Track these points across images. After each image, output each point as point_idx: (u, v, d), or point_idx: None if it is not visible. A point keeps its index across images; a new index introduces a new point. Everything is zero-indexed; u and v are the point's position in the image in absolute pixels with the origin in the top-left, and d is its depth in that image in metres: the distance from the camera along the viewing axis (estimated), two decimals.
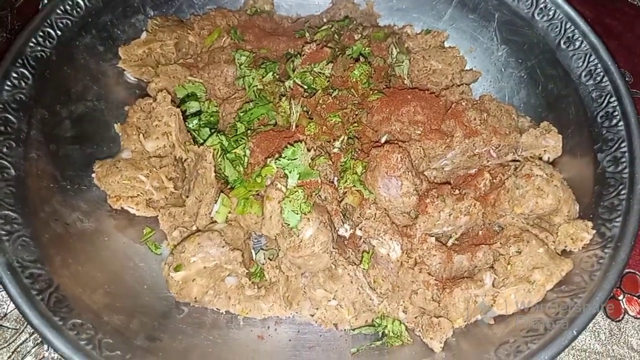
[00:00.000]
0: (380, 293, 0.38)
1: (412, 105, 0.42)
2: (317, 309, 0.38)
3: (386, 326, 0.38)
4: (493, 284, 0.36)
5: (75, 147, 0.44)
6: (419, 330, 0.37)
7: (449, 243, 0.40)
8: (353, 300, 0.38)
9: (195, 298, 0.38)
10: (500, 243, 0.38)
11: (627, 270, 0.43)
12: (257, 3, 0.52)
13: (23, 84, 0.42)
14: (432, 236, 0.39)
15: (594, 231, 0.39)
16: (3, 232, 0.36)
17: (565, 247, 0.39)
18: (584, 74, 0.45)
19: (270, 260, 0.40)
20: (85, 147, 0.44)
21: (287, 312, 0.39)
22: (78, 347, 0.34)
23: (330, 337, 0.39)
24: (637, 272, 0.43)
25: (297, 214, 0.35)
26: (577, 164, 0.44)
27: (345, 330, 0.39)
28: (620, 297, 0.42)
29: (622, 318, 0.41)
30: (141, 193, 0.41)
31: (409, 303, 0.37)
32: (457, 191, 0.40)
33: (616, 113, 0.43)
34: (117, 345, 0.35)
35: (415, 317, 0.37)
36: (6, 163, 0.39)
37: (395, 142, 0.40)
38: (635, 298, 0.42)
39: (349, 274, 0.38)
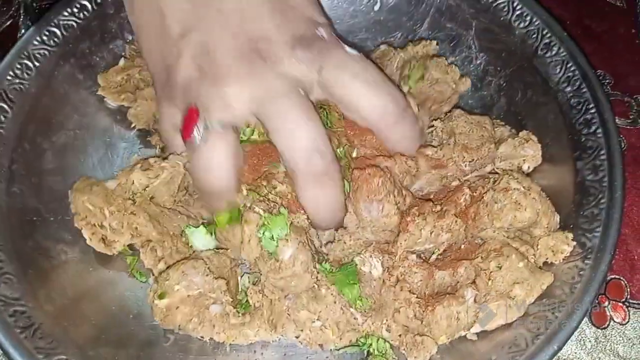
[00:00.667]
0: (364, 311, 0.38)
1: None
2: (301, 330, 0.38)
3: (371, 344, 0.38)
4: (475, 300, 0.36)
5: (57, 179, 0.44)
6: (403, 349, 0.37)
7: (431, 259, 0.40)
8: (337, 320, 0.38)
9: (179, 326, 0.39)
10: (482, 257, 0.37)
11: (612, 276, 0.43)
12: None
13: (2, 118, 0.42)
14: (414, 253, 0.39)
15: (574, 243, 0.39)
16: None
17: (546, 259, 0.39)
18: (562, 80, 0.45)
19: (254, 285, 0.40)
20: (67, 178, 0.44)
21: (272, 335, 0.39)
22: None
23: (316, 358, 0.39)
24: (622, 278, 0.43)
25: (274, 240, 0.35)
26: (556, 172, 0.44)
27: (331, 350, 0.39)
28: (606, 304, 0.42)
29: (608, 325, 0.41)
30: (99, 226, 0.40)
31: (392, 321, 0.37)
32: (438, 208, 0.40)
33: (595, 120, 0.42)
34: None
35: (399, 335, 0.37)
36: None
37: (376, 164, 0.40)
38: (620, 304, 0.42)
39: (332, 294, 0.38)
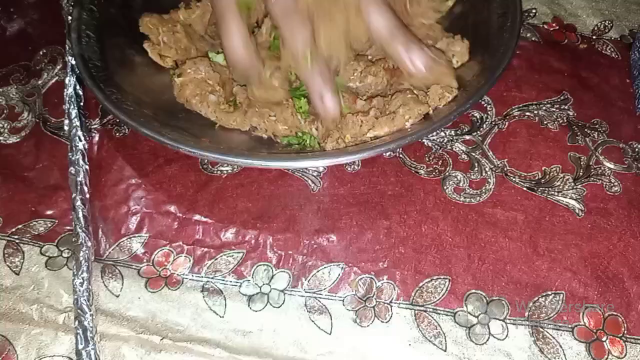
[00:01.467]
0: (305, 117, 0.53)
1: None
2: (263, 121, 0.53)
3: (306, 140, 0.53)
4: (375, 117, 0.50)
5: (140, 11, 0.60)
6: (322, 141, 0.51)
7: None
8: (286, 119, 0.53)
9: (187, 99, 0.55)
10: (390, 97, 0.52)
11: (609, 313, 0.46)
12: None
13: None
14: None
15: (457, 92, 0.51)
16: (83, 42, 0.54)
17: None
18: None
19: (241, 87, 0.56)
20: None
21: (244, 123, 0.54)
22: (110, 99, 0.50)
23: None
24: (619, 315, 0.46)
25: None
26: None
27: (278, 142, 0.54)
28: (604, 339, 0.45)
29: (606, 358, 0.44)
30: (156, 43, 0.59)
31: (320, 124, 0.52)
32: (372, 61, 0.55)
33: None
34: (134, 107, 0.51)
35: (323, 134, 0.52)
36: (95, 9, 0.57)
37: None
38: (617, 339, 0.45)
39: (288, 102, 0.54)
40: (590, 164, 0.54)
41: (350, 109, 0.52)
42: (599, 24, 0.65)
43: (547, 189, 0.52)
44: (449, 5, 0.60)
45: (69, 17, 0.64)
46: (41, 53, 0.65)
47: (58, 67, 0.63)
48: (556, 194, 0.52)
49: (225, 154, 0.47)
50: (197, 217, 0.52)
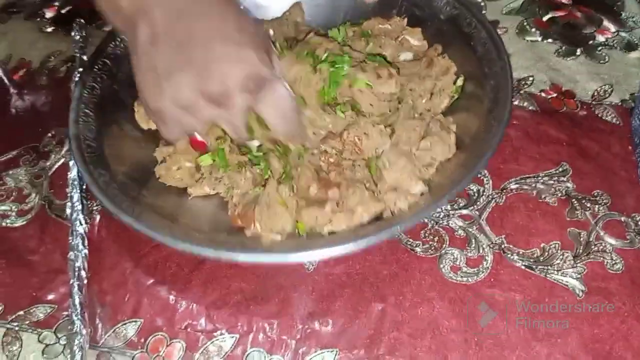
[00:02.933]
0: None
1: None
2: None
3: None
4: (332, 210, 0.49)
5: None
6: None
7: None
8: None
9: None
10: (346, 188, 0.50)
11: None
12: (291, 14, 0.65)
13: (123, 45, 0.62)
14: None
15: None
16: (81, 120, 0.55)
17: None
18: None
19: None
20: None
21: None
22: (97, 182, 0.51)
23: None
24: None
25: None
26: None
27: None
28: None
29: None
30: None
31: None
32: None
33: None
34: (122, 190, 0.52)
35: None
36: (97, 86, 0.60)
37: None
38: None
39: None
40: (591, 240, 0.52)
41: (303, 193, 0.51)
42: (599, 88, 0.64)
43: (546, 267, 0.51)
44: (460, 84, 0.58)
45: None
46: (49, 135, 0.67)
47: (65, 149, 0.65)
48: (555, 272, 0.51)
49: (207, 246, 0.47)
50: (190, 298, 0.52)
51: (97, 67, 0.60)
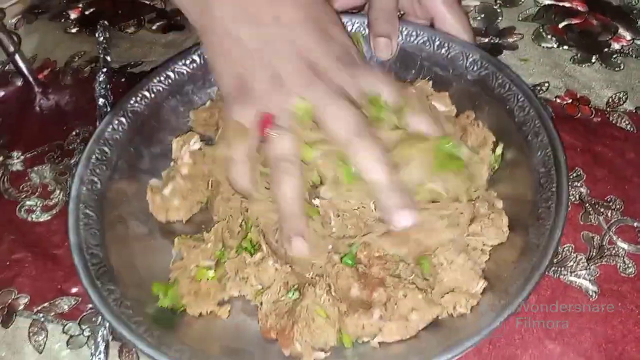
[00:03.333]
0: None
1: None
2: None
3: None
4: (380, 317, 0.42)
5: (147, 176, 0.59)
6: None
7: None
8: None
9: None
10: (393, 287, 0.43)
11: None
12: None
13: (120, 128, 0.58)
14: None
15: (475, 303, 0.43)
16: (82, 224, 0.49)
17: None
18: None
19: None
20: (156, 176, 0.60)
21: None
22: (107, 303, 0.45)
23: None
24: None
25: None
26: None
27: None
28: None
29: None
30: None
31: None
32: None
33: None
34: (135, 309, 0.46)
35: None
36: (96, 180, 0.54)
37: None
38: None
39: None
40: (604, 244, 0.53)
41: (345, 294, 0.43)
42: (613, 95, 0.65)
43: (559, 269, 0.52)
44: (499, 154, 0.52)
45: (100, 100, 0.69)
46: (74, 133, 0.69)
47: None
48: (569, 274, 0.51)
49: None
50: None
51: (95, 157, 0.54)
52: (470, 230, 0.46)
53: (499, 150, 0.52)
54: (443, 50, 0.59)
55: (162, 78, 0.61)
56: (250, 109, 0.48)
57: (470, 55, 0.57)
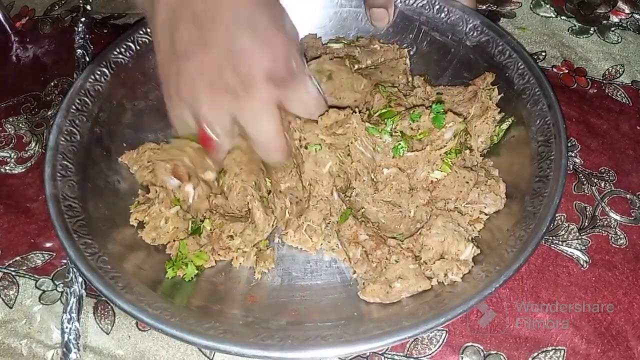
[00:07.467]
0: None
1: None
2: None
3: None
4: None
5: (130, 131, 0.56)
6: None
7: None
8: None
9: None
10: (390, 250, 0.44)
11: None
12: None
13: (103, 79, 0.55)
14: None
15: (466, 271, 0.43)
16: (59, 175, 0.47)
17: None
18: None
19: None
20: (139, 133, 0.56)
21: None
22: (83, 256, 0.43)
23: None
24: None
25: None
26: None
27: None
28: None
29: None
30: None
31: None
32: None
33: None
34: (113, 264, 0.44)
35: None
36: (76, 131, 0.51)
37: None
38: None
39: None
40: (596, 214, 0.52)
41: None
42: (610, 68, 0.64)
43: (551, 237, 0.51)
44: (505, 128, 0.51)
45: (79, 51, 0.65)
46: (52, 84, 0.66)
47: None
48: (560, 243, 0.51)
49: (218, 341, 0.39)
50: None
51: (75, 107, 0.52)
52: (469, 199, 0.46)
53: (505, 125, 0.52)
54: (442, 15, 0.58)
55: (147, 29, 0.57)
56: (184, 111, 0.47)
57: (471, 21, 0.56)
